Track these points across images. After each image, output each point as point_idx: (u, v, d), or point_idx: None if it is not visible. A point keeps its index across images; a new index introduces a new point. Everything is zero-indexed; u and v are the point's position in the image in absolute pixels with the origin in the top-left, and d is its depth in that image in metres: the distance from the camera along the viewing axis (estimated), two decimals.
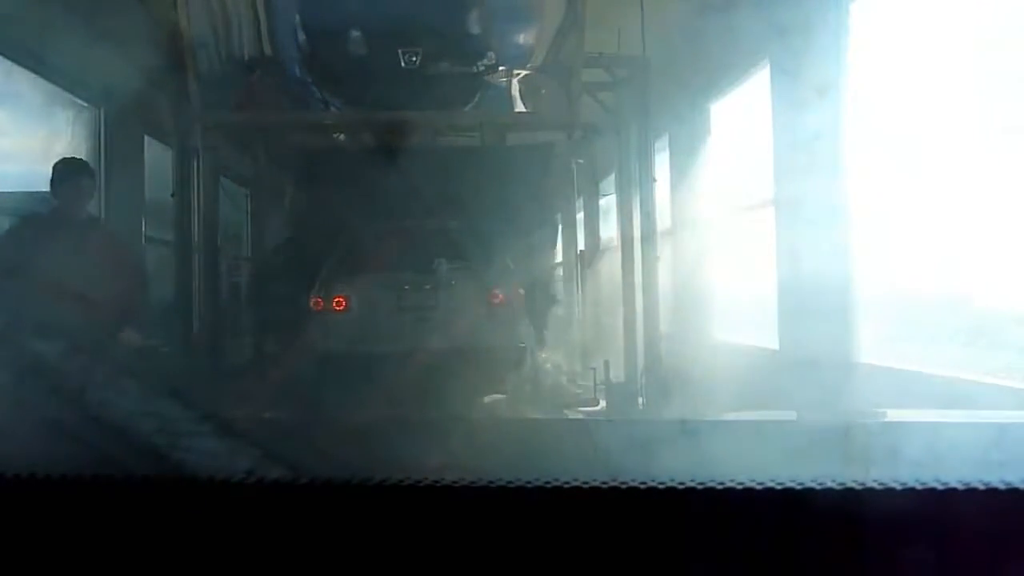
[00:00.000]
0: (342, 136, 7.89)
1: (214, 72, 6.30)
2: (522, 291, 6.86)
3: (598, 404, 6.52)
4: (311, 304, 6.69)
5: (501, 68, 7.00)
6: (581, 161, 8.36)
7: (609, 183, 8.25)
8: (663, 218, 6.95)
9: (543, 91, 7.14)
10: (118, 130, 6.49)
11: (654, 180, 6.94)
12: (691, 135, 7.22)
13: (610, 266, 7.42)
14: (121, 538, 1.01)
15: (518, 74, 7.14)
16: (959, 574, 0.94)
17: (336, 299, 6.67)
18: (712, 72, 6.64)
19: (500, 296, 6.65)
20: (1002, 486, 0.93)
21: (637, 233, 6.71)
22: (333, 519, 1.00)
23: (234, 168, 7.90)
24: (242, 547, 1.00)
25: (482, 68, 6.95)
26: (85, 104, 6.62)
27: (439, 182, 6.67)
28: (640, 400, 6.09)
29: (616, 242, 7.32)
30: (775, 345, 5.73)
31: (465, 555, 0.98)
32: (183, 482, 1.04)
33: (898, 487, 0.94)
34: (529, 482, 0.98)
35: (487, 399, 6.05)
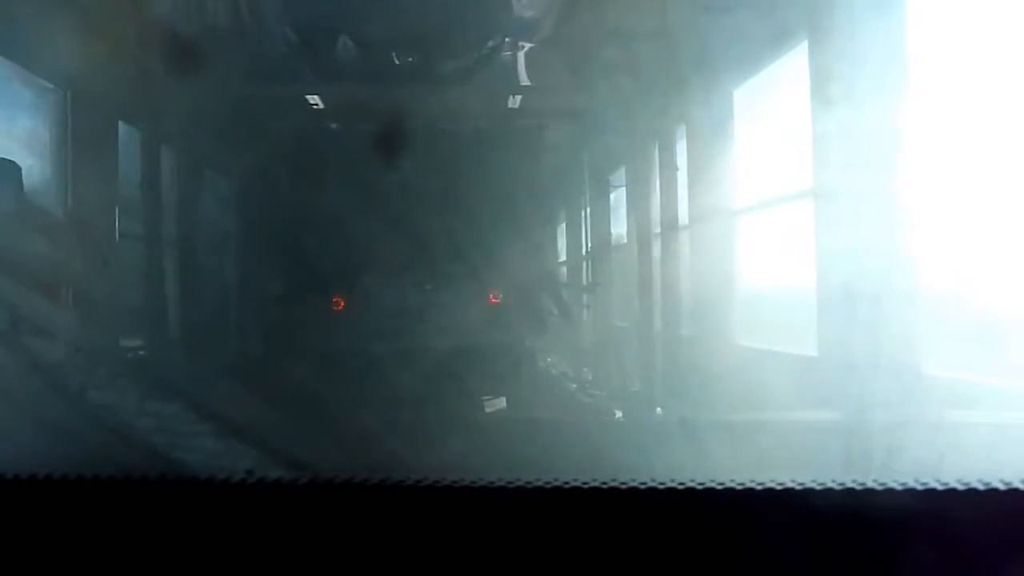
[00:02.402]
0: (332, 120, 7.97)
1: (189, 45, 6.34)
2: (524, 291, 6.97)
3: (614, 416, 6.61)
4: (307, 304, 6.85)
5: (506, 40, 6.96)
6: (591, 150, 8.44)
7: (622, 173, 8.32)
8: (682, 211, 7.01)
9: (551, 68, 7.13)
10: (87, 115, 6.56)
11: (676, 169, 6.99)
12: (715, 119, 7.27)
13: (625, 264, 7.51)
14: (121, 538, 1.13)
15: (523, 47, 7.10)
16: (959, 573, 1.06)
17: (333, 299, 6.85)
18: (742, 49, 6.67)
19: (501, 296, 6.78)
20: (1002, 486, 1.05)
21: (656, 228, 6.78)
22: (333, 519, 1.12)
23: (214, 155, 8.00)
24: (242, 547, 1.12)
25: (484, 41, 6.94)
26: (49, 85, 6.70)
27: (438, 174, 6.76)
28: (658, 411, 6.18)
29: (632, 237, 7.39)
30: (812, 352, 5.69)
31: (465, 555, 1.10)
32: (183, 482, 1.16)
33: (898, 487, 1.06)
34: (529, 482, 1.10)
35: (488, 408, 6.16)
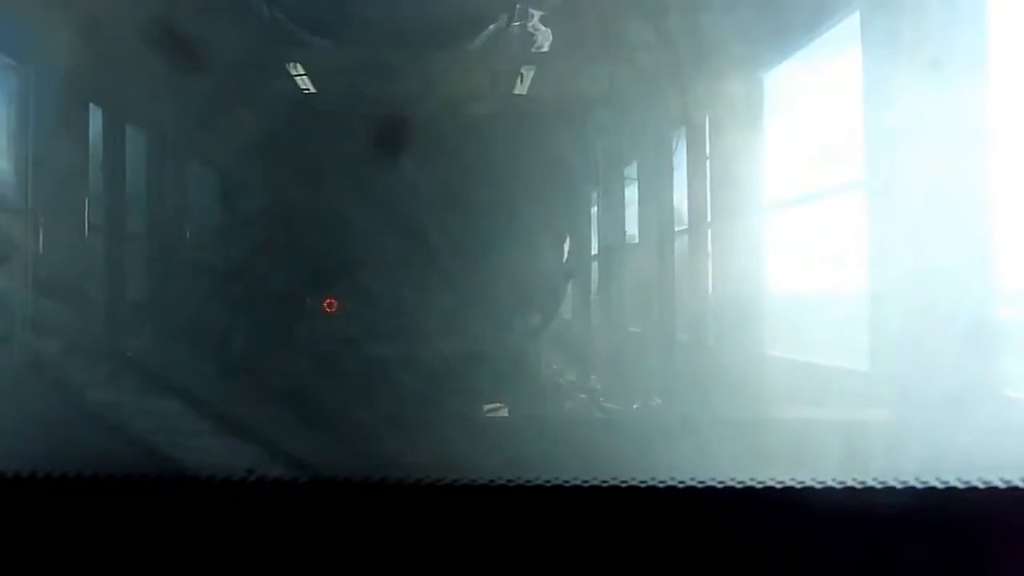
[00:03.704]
0: (325, 105, 8.07)
1: (167, 22, 6.41)
2: (528, 292, 7.08)
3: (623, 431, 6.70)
4: (298, 304, 7.02)
5: (516, 6, 6.96)
6: (607, 139, 8.51)
7: (642, 162, 8.40)
8: (708, 207, 7.08)
9: (562, 41, 7.15)
10: (52, 95, 6.66)
11: (706, 158, 7.06)
12: (746, 104, 7.33)
13: (643, 264, 7.59)
14: (121, 537, 1.28)
15: (532, 16, 7.11)
16: (959, 572, 1.19)
17: (326, 300, 7.02)
18: (783, 23, 6.70)
19: (503, 297, 6.89)
20: (1002, 485, 1.18)
21: (681, 224, 6.86)
22: (333, 518, 1.26)
23: (191, 139, 8.10)
24: (242, 546, 1.26)
25: (488, 17, 6.99)
26: (10, 60, 6.78)
27: (439, 165, 6.85)
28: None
29: (649, 235, 7.47)
30: (863, 367, 5.64)
31: (465, 554, 1.24)
32: (183, 482, 1.31)
33: (898, 486, 1.20)
34: (529, 482, 1.24)
35: (489, 414, 6.27)
